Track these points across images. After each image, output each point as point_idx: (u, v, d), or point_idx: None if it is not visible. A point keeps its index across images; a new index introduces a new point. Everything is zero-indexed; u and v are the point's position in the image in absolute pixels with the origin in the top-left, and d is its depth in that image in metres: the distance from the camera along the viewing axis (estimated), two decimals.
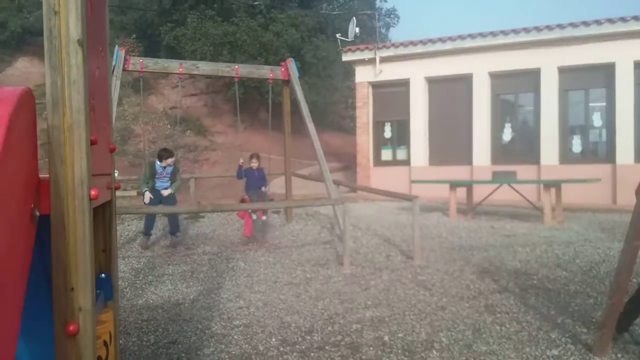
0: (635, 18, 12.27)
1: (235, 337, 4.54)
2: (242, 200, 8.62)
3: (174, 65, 9.14)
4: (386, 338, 4.47)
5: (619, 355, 4.09)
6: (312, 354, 4.17)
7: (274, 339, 4.48)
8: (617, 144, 12.62)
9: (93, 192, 1.96)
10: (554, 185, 10.00)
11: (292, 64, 9.56)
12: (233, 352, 4.22)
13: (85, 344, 1.95)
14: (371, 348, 4.27)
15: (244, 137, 18.13)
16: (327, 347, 4.28)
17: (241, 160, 8.93)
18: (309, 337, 4.51)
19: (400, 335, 4.54)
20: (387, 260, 7.27)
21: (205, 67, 9.72)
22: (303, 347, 4.30)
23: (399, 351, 4.21)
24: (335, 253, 7.69)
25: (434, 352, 4.19)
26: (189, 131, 20.15)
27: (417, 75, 15.02)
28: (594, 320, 4.77)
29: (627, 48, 12.44)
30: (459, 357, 4.10)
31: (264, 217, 8.69)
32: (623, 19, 12.43)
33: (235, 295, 5.78)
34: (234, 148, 10.34)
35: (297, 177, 11.20)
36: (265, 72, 9.70)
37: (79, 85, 1.93)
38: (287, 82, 9.71)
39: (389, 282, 6.19)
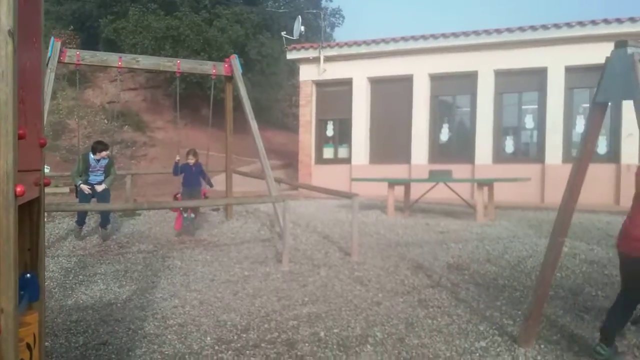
0: (568, 25, 12.90)
1: (169, 336, 4.49)
2: (175, 197, 8.70)
3: (113, 59, 8.90)
4: (322, 334, 4.54)
5: (542, 346, 4.32)
6: (247, 351, 4.18)
7: (209, 338, 4.46)
8: (546, 145, 13.25)
9: (19, 189, 1.91)
10: (487, 184, 10.40)
11: (235, 61, 9.50)
12: (166, 352, 4.18)
13: (7, 347, 1.90)
14: (307, 344, 4.33)
15: (185, 134, 17.86)
16: (262, 345, 4.31)
17: (177, 157, 8.87)
18: (244, 335, 4.52)
19: (335, 330, 4.62)
20: (325, 257, 7.36)
21: (145, 61, 9.51)
22: (238, 345, 4.31)
23: (334, 346, 4.29)
24: (274, 250, 7.71)
25: (368, 346, 4.30)
26: (127, 126, 19.64)
27: (359, 75, 15.24)
28: (520, 312, 5.01)
29: (559, 53, 13.05)
30: (392, 350, 4.22)
31: (192, 215, 8.64)
32: (556, 25, 13.04)
33: (171, 294, 5.71)
34: (174, 144, 10.18)
35: (238, 174, 11.14)
36: (208, 67, 9.58)
37: (7, 76, 1.87)
38: (230, 78, 9.63)
39: (327, 278, 6.28)
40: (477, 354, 4.16)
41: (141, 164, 17.90)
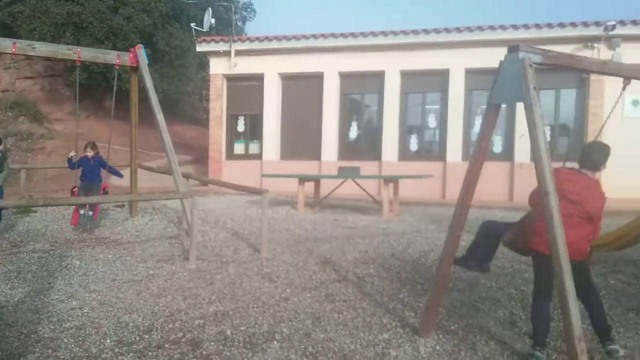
0: (468, 29, 13.58)
1: (65, 340, 4.26)
2: (72, 191, 8.31)
3: (7, 44, 8.25)
4: (228, 332, 4.49)
5: (441, 336, 4.53)
6: (149, 353, 4.05)
7: (108, 340, 4.27)
8: (447, 143, 13.91)
9: None
10: (393, 180, 10.75)
11: (141, 51, 9.13)
12: (61, 357, 3.96)
13: None
14: (212, 343, 4.26)
15: (87, 126, 16.99)
16: (166, 345, 4.19)
17: (72, 153, 8.47)
18: (147, 336, 4.37)
19: (242, 328, 4.59)
20: (234, 253, 7.28)
21: (42, 48, 8.89)
22: (140, 346, 4.17)
23: (240, 344, 4.26)
24: (181, 248, 7.53)
25: (275, 342, 4.30)
26: (22, 117, 18.34)
27: (271, 70, 15.22)
28: (421, 304, 5.21)
29: (460, 56, 13.72)
30: (298, 346, 4.25)
31: (90, 212, 8.22)
32: (458, 29, 13.69)
33: (68, 295, 5.41)
34: (75, 137, 9.60)
35: (144, 169, 10.75)
36: (112, 57, 9.14)
37: None
38: (135, 69, 9.25)
39: (235, 275, 6.22)
40: (380, 346, 4.29)
41: (38, 157, 16.80)
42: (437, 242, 7.83)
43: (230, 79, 15.74)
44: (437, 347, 4.31)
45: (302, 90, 15.26)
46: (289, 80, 15.37)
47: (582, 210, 3.90)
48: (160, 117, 8.82)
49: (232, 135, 15.91)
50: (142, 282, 5.90)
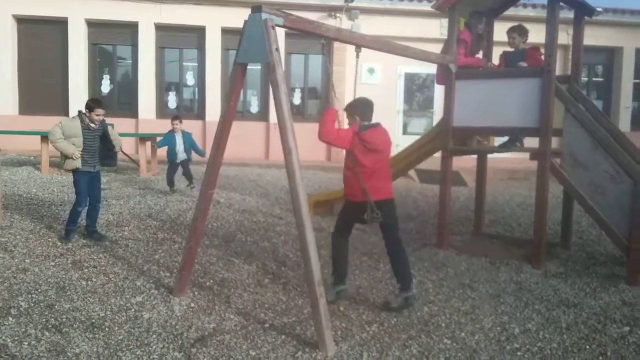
0: None
1: None
2: None
3: None
4: None
5: (196, 293, 4.61)
6: None
7: None
8: (206, 102, 13.88)
9: None
10: (150, 138, 10.37)
11: None
12: None
13: None
14: None
15: None
16: None
17: None
18: None
19: None
20: None
21: None
22: None
23: None
24: None
25: (10, 319, 3.89)
26: None
27: (2, 11, 13.16)
28: (177, 264, 5.20)
29: (216, 14, 13.64)
30: (39, 319, 3.91)
31: None
32: None
33: None
34: None
35: None
36: None
37: None
38: None
39: None
40: (133, 310, 4.18)
41: None
42: (195, 200, 7.83)
43: None
44: (192, 305, 4.38)
45: (44, 37, 13.58)
46: (26, 23, 13.50)
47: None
48: None
49: None
50: None
